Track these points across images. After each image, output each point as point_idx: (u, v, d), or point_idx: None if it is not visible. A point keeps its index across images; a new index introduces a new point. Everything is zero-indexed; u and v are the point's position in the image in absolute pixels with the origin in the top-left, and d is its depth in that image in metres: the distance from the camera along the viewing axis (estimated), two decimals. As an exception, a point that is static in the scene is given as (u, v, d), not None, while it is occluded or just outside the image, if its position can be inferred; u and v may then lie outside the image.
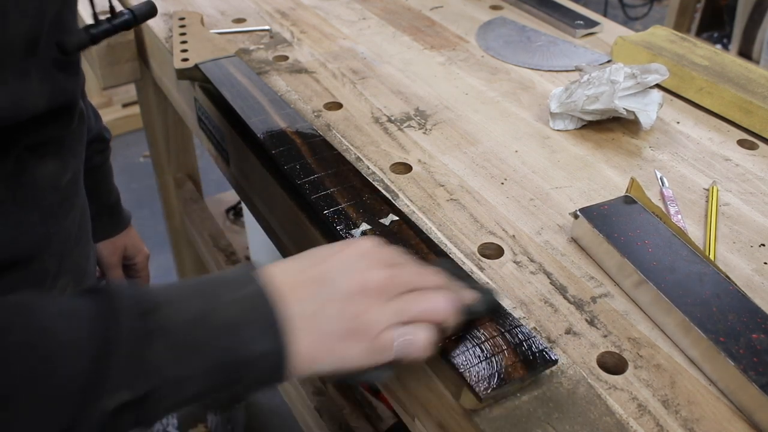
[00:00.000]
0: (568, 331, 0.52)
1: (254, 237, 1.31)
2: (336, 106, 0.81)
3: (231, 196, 1.55)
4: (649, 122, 0.75)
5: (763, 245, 0.62)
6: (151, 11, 0.61)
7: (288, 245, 0.72)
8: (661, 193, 0.68)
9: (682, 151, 0.75)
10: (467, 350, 0.45)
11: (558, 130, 0.78)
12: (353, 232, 0.57)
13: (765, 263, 0.60)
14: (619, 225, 0.58)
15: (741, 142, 0.77)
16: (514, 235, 0.62)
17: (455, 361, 0.45)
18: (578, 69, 0.89)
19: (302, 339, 0.40)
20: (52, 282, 0.57)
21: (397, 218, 0.58)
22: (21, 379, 0.34)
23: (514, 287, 0.56)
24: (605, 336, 0.52)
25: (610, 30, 1.02)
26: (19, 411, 0.34)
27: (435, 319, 0.43)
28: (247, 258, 1.34)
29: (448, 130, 0.77)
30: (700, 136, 0.78)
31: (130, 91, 2.57)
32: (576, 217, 0.60)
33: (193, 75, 0.82)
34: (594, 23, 1.02)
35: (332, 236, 0.59)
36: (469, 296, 0.46)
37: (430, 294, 0.44)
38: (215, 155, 0.87)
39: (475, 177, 0.69)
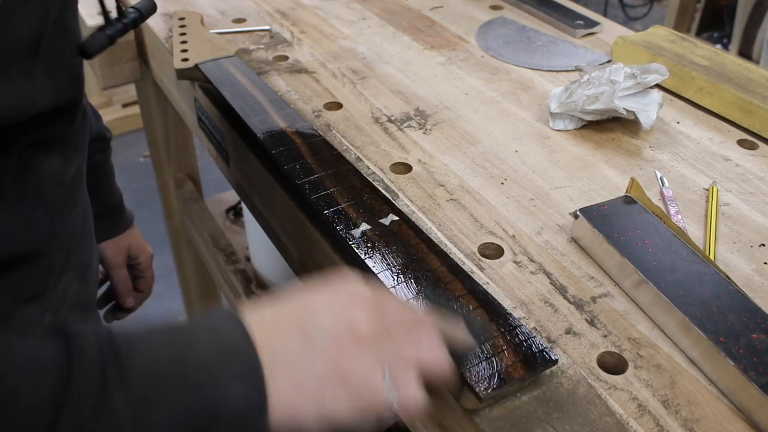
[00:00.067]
0: (568, 331, 0.52)
1: (254, 237, 1.31)
2: (336, 106, 0.81)
3: (231, 196, 1.55)
4: (649, 122, 0.75)
5: (763, 245, 0.62)
6: (152, 8, 0.61)
7: (288, 245, 0.72)
8: (661, 193, 0.68)
9: (682, 151, 0.75)
10: (467, 350, 0.45)
11: (558, 130, 0.78)
12: (353, 231, 0.57)
13: (765, 263, 0.60)
14: (619, 225, 0.58)
15: (741, 142, 0.77)
16: (514, 235, 0.62)
17: (456, 361, 0.45)
18: (578, 69, 0.89)
19: (283, 389, 0.37)
20: (59, 276, 0.57)
21: (397, 218, 0.58)
22: None
23: (514, 287, 0.56)
24: (605, 336, 0.52)
25: (610, 30, 1.02)
26: None
27: (427, 369, 0.40)
28: (247, 258, 1.34)
29: (448, 130, 0.77)
30: (700, 136, 0.78)
31: (130, 91, 2.58)
32: (576, 217, 0.60)
33: (193, 75, 0.82)
34: (594, 23, 1.02)
35: (332, 236, 0.59)
36: (461, 334, 0.44)
37: (423, 343, 0.41)
38: (215, 155, 0.87)
39: (475, 177, 0.69)
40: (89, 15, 1.04)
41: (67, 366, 0.34)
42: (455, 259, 0.55)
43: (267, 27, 0.98)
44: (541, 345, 0.47)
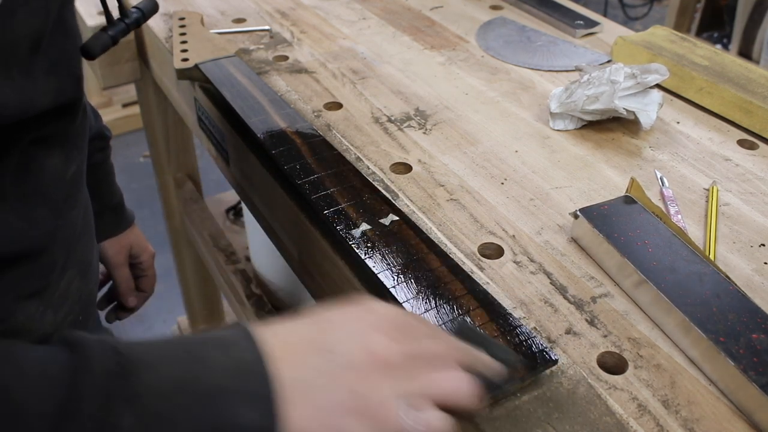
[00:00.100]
0: (568, 331, 0.52)
1: (254, 237, 1.31)
2: (336, 106, 0.81)
3: (231, 196, 1.55)
4: (649, 122, 0.75)
5: (763, 245, 0.62)
6: (154, 7, 0.61)
7: (288, 245, 0.72)
8: (661, 193, 0.68)
9: (682, 151, 0.75)
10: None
11: (558, 130, 0.78)
12: (353, 231, 0.57)
13: (765, 263, 0.60)
14: (619, 225, 0.58)
15: (741, 142, 0.77)
16: (514, 235, 0.62)
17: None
18: (578, 69, 0.89)
19: (296, 412, 0.35)
20: (60, 274, 0.58)
21: (397, 218, 0.58)
22: None
23: (514, 287, 0.56)
24: (605, 336, 0.52)
25: (610, 30, 1.02)
26: None
27: (451, 401, 0.39)
28: (247, 258, 1.34)
29: (448, 130, 0.77)
30: (700, 136, 0.78)
31: (130, 91, 2.58)
32: (576, 217, 0.60)
33: (193, 75, 0.82)
34: (594, 23, 1.02)
35: (332, 236, 0.59)
36: (490, 365, 0.42)
37: (447, 373, 0.39)
38: (215, 155, 0.87)
39: (475, 177, 0.69)
40: (89, 15, 1.04)
41: (72, 380, 0.33)
42: (455, 259, 0.55)
43: (267, 27, 0.98)
44: (541, 345, 0.47)
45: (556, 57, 0.93)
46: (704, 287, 0.52)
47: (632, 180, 0.67)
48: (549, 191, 0.68)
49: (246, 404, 0.35)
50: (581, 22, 1.01)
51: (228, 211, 1.53)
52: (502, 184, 0.68)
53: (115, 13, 0.61)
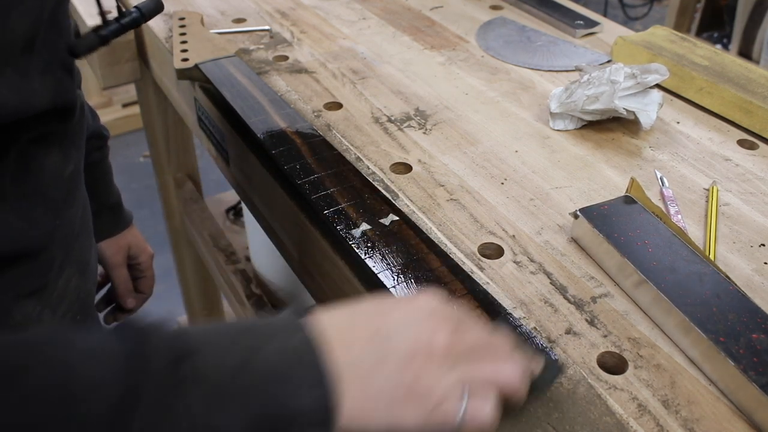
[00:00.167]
0: (568, 331, 0.52)
1: (254, 237, 1.31)
2: (336, 106, 0.81)
3: (231, 196, 1.55)
4: (649, 122, 0.75)
5: (763, 245, 0.62)
6: (157, 7, 0.60)
7: (288, 245, 0.72)
8: (661, 193, 0.68)
9: (682, 151, 0.75)
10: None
11: (558, 130, 0.78)
12: (353, 232, 0.57)
13: (765, 263, 0.60)
14: (619, 225, 0.58)
15: (741, 142, 0.77)
16: (514, 235, 0.62)
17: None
18: (578, 69, 0.89)
19: (352, 396, 0.36)
20: (58, 273, 0.58)
21: (397, 218, 0.58)
22: (45, 420, 0.32)
23: (514, 287, 0.56)
24: (605, 336, 0.52)
25: (610, 30, 1.02)
26: None
27: (502, 390, 0.40)
28: (247, 258, 1.34)
29: (448, 130, 0.77)
30: (700, 136, 0.78)
31: (130, 91, 2.58)
32: (576, 217, 0.60)
33: (193, 75, 0.82)
34: (594, 23, 1.02)
35: (332, 236, 0.59)
36: (536, 366, 0.43)
37: (500, 362, 0.40)
38: (215, 155, 0.87)
39: (475, 177, 0.69)
40: (89, 15, 1.04)
41: (139, 362, 0.34)
42: (455, 259, 0.55)
43: (267, 27, 0.98)
44: (542, 345, 0.47)
45: (556, 57, 0.93)
46: (704, 287, 0.52)
47: (632, 180, 0.67)
48: (549, 191, 0.68)
49: (302, 388, 0.36)
50: (581, 22, 1.01)
51: (228, 211, 1.53)
52: (502, 184, 0.68)
53: (115, 14, 0.61)
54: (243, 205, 1.45)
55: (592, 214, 0.60)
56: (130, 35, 1.06)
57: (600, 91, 0.75)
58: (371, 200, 0.60)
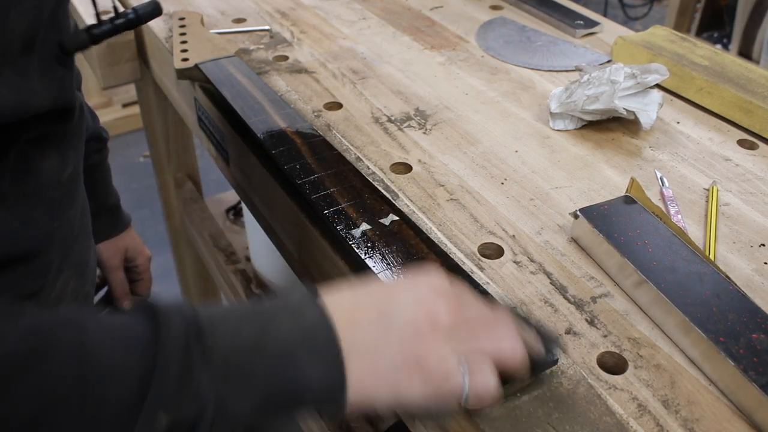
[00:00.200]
0: (568, 331, 0.52)
1: (254, 237, 1.31)
2: (336, 106, 0.81)
3: (231, 196, 1.55)
4: (649, 122, 0.75)
5: (763, 245, 0.62)
6: (155, 11, 0.60)
7: (288, 245, 0.72)
8: (661, 193, 0.68)
9: (682, 151, 0.75)
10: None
11: (558, 130, 0.78)
12: (353, 231, 0.57)
13: (765, 263, 0.60)
14: (619, 225, 0.58)
15: (741, 142, 0.77)
16: (514, 235, 0.62)
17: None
18: (578, 69, 0.89)
19: (360, 371, 0.38)
20: (56, 275, 0.57)
21: (397, 218, 0.58)
22: (65, 402, 0.33)
23: (514, 287, 0.56)
24: (605, 336, 0.52)
25: (610, 30, 1.02)
26: None
27: (507, 363, 0.41)
28: (247, 258, 1.34)
29: (448, 130, 0.77)
30: (700, 136, 0.78)
31: (130, 91, 2.57)
32: (576, 217, 0.60)
33: (193, 75, 0.82)
34: (594, 23, 1.02)
35: (332, 236, 0.59)
36: (537, 344, 0.44)
37: (501, 337, 0.41)
38: (215, 155, 0.87)
39: (475, 177, 0.69)
40: (89, 15, 1.04)
41: (155, 341, 0.35)
42: (455, 259, 0.55)
43: (267, 27, 0.98)
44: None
45: (556, 57, 0.93)
46: (704, 287, 0.52)
47: (632, 180, 0.67)
48: (549, 191, 0.68)
49: (313, 364, 0.37)
50: (581, 22, 1.01)
51: (228, 211, 1.53)
52: (502, 184, 0.68)
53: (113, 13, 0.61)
54: (243, 205, 1.45)
55: (592, 214, 0.60)
56: (130, 35, 1.06)
57: (600, 91, 0.75)
58: (371, 200, 0.60)
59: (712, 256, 0.60)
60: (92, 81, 2.23)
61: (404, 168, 0.70)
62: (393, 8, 1.07)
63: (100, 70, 1.09)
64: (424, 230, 0.57)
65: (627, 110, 0.75)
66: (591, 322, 0.53)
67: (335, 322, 0.39)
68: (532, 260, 0.59)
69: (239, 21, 1.00)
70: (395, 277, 0.45)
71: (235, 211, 1.52)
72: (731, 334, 0.48)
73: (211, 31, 0.94)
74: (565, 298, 0.55)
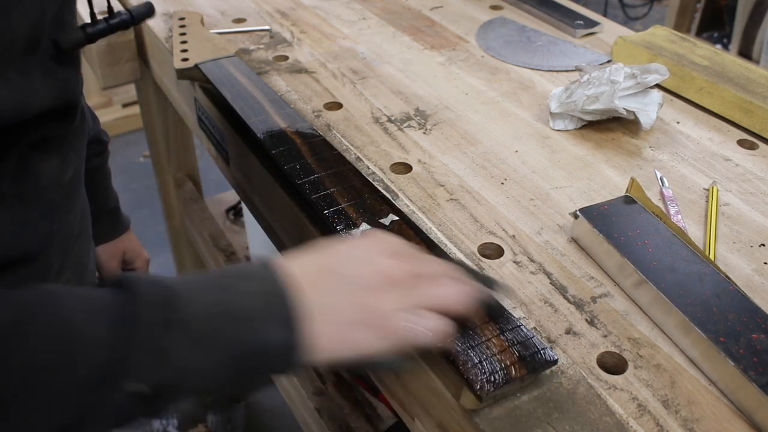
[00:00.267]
0: (568, 331, 0.52)
1: (254, 237, 1.31)
2: (336, 106, 0.81)
3: (231, 196, 1.55)
4: (649, 122, 0.75)
5: (763, 245, 0.62)
6: (148, 12, 0.61)
7: (288, 245, 0.72)
8: (661, 193, 0.68)
9: (682, 151, 0.75)
10: (467, 350, 0.45)
11: (558, 130, 0.78)
12: (353, 232, 0.57)
13: (765, 263, 0.60)
14: (619, 225, 0.58)
15: (741, 142, 0.77)
16: (514, 235, 0.62)
17: (455, 361, 0.45)
18: (578, 69, 0.89)
19: (318, 329, 0.41)
20: (56, 277, 0.58)
21: (397, 218, 0.58)
22: (42, 370, 0.35)
23: (514, 287, 0.56)
24: (605, 336, 0.52)
25: (610, 30, 1.02)
26: (37, 402, 0.34)
27: (446, 306, 0.44)
28: (247, 258, 1.34)
29: (448, 130, 0.77)
30: (700, 136, 0.78)
31: (130, 91, 2.57)
32: (576, 217, 0.60)
33: (193, 75, 0.82)
34: (594, 23, 1.02)
35: (332, 236, 0.59)
36: (481, 288, 0.47)
37: (443, 282, 0.45)
38: (215, 155, 0.87)
39: (475, 177, 0.69)
40: (88, 14, 1.04)
41: (125, 311, 0.37)
42: (455, 260, 0.55)
43: (267, 27, 0.98)
44: (541, 345, 0.47)
45: (556, 57, 0.93)
46: (704, 287, 0.52)
47: (632, 180, 0.67)
48: (549, 191, 0.68)
49: (274, 326, 0.40)
50: (581, 22, 1.01)
51: (228, 211, 1.53)
52: (502, 184, 0.68)
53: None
54: (243, 205, 1.45)
55: (592, 214, 0.60)
56: (130, 35, 1.06)
57: (600, 91, 0.75)
58: (371, 200, 0.60)
59: (712, 256, 0.60)
60: (92, 81, 2.23)
61: (404, 168, 0.70)
62: (393, 8, 1.07)
63: (100, 70, 1.09)
64: (424, 230, 0.57)
65: (627, 110, 0.75)
66: (591, 322, 0.53)
67: (291, 286, 0.41)
68: (532, 260, 0.59)
69: (239, 21, 1.00)
70: (347, 238, 0.49)
71: (235, 211, 1.52)
72: (731, 334, 0.48)
73: (211, 31, 0.94)
74: (565, 298, 0.55)
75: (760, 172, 0.72)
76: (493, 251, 0.60)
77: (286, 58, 0.91)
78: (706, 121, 0.81)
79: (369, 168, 0.70)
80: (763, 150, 0.76)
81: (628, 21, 3.39)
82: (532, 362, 0.45)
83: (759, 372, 0.46)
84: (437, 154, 0.73)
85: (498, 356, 0.45)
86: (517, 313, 0.53)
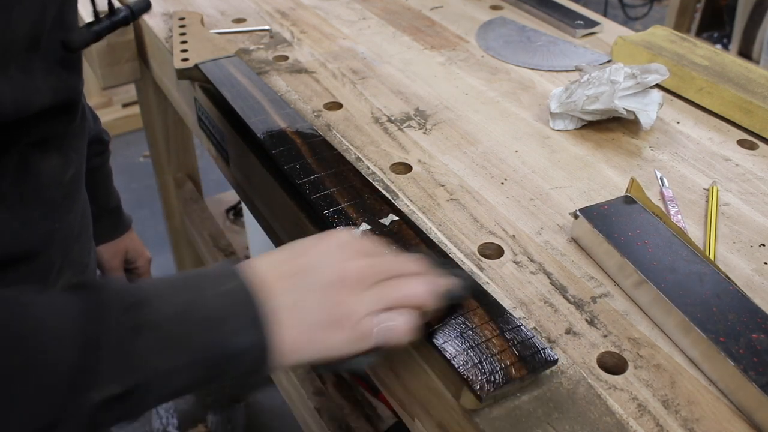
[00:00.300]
0: (568, 331, 0.52)
1: (254, 237, 1.31)
2: (336, 106, 0.81)
3: (231, 196, 1.55)
4: (649, 122, 0.75)
5: (763, 245, 0.62)
6: (146, 6, 0.62)
7: (288, 245, 0.72)
8: (661, 193, 0.68)
9: (682, 151, 0.75)
10: (467, 350, 0.45)
11: (558, 130, 0.78)
12: (354, 232, 0.57)
13: (765, 263, 0.60)
14: (619, 225, 0.58)
15: (741, 142, 0.77)
16: (514, 235, 0.62)
17: (455, 361, 0.45)
18: (578, 69, 0.89)
19: (285, 330, 0.41)
20: (56, 276, 0.58)
21: (397, 218, 0.58)
22: (10, 374, 0.34)
23: (514, 287, 0.56)
24: (605, 336, 0.52)
25: (610, 30, 1.02)
26: (7, 407, 0.34)
27: (414, 303, 0.44)
28: (247, 258, 1.34)
29: (448, 130, 0.77)
30: (700, 136, 0.78)
31: (130, 91, 2.57)
32: (576, 217, 0.60)
33: (193, 75, 0.82)
34: (594, 23, 1.02)
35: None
36: (448, 281, 0.47)
37: (408, 280, 0.45)
38: (215, 155, 0.87)
39: (475, 177, 0.69)
40: (88, 13, 1.04)
41: (89, 316, 0.37)
42: (456, 260, 0.55)
43: (267, 27, 0.98)
44: (541, 345, 0.47)
45: (556, 57, 0.93)
46: (704, 287, 0.52)
47: (632, 180, 0.67)
48: (549, 191, 0.68)
49: (241, 327, 0.40)
50: (581, 22, 1.01)
51: (228, 211, 1.53)
52: (502, 184, 0.68)
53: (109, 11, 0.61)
54: (243, 205, 1.45)
55: (592, 214, 0.60)
56: (130, 35, 1.06)
57: (600, 91, 0.75)
58: (371, 200, 0.60)
59: (712, 256, 0.60)
60: (92, 81, 2.23)
61: (404, 168, 0.70)
62: (393, 8, 1.07)
63: (100, 70, 1.09)
64: (424, 230, 0.57)
65: (627, 110, 0.75)
66: (591, 322, 0.53)
67: (260, 287, 0.41)
68: (532, 260, 0.59)
69: (239, 21, 1.00)
70: (309, 240, 0.48)
71: (235, 211, 1.52)
72: (731, 334, 0.48)
73: (211, 31, 0.94)
74: (565, 298, 0.55)
75: (760, 172, 0.72)
76: (493, 251, 0.60)
77: (286, 58, 0.91)
78: (706, 121, 0.81)
79: (369, 168, 0.70)
80: (763, 150, 0.76)
81: (628, 21, 3.39)
82: (532, 362, 0.45)
83: (759, 372, 0.46)
84: (437, 154, 0.73)
85: (498, 356, 0.45)
86: (517, 313, 0.53)
